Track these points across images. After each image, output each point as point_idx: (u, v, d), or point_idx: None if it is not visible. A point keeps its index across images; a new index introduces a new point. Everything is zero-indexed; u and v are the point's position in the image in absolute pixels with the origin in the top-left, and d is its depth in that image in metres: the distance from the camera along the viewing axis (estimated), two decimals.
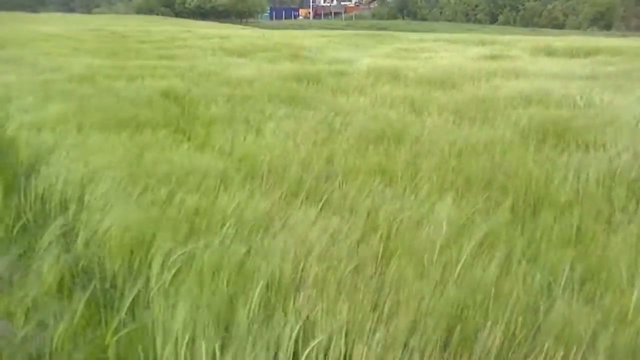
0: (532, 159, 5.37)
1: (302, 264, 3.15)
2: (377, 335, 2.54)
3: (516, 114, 7.51)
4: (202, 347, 2.51)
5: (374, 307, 2.74)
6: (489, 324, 2.61)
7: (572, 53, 18.85)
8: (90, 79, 10.89)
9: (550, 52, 19.57)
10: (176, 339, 2.55)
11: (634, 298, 2.78)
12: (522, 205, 4.41)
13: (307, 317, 2.69)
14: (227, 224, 3.61)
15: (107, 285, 3.37)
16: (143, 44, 22.61)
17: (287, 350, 2.57)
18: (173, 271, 3.09)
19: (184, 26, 47.67)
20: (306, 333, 2.63)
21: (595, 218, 4.06)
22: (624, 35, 38.68)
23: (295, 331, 2.60)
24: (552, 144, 6.14)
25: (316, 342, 2.57)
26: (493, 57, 17.03)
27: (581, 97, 8.91)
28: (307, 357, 2.54)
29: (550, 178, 4.79)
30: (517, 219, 4.05)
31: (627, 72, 12.77)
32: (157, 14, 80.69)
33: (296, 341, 2.60)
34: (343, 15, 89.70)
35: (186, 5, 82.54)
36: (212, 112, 7.70)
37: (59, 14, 77.20)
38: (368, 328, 2.60)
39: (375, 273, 3.10)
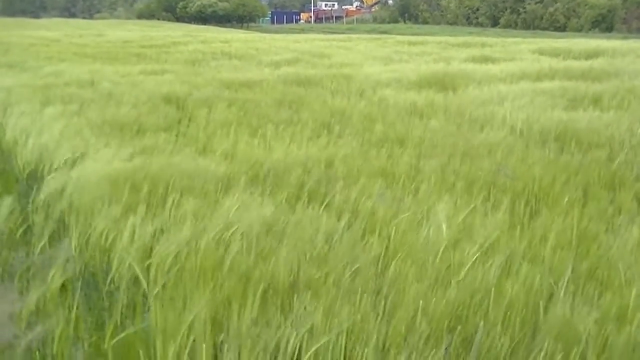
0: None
1: (303, 267, 3.15)
2: (376, 336, 2.54)
3: None
4: (202, 350, 2.51)
5: (374, 309, 2.74)
6: (489, 324, 2.62)
7: None
8: (91, 83, 10.90)
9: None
10: (177, 341, 2.54)
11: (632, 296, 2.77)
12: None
13: (307, 319, 2.69)
14: (232, 229, 3.61)
15: (108, 288, 3.37)
16: (144, 49, 22.62)
17: (286, 354, 2.57)
18: (172, 274, 3.10)
19: (185, 31, 47.72)
20: (306, 336, 2.63)
21: None
22: (625, 38, 38.66)
23: (294, 335, 2.60)
24: None
25: (316, 346, 2.56)
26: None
27: None
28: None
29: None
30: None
31: None
32: (158, 19, 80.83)
33: (296, 344, 2.60)
34: (344, 18, 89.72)
35: (187, 10, 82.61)
36: (214, 116, 7.71)
37: (60, 19, 77.37)
38: (368, 330, 2.60)
39: (375, 275, 3.09)
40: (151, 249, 3.42)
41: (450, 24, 74.09)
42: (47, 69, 13.67)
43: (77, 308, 3.08)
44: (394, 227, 3.67)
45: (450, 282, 3.00)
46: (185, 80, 11.59)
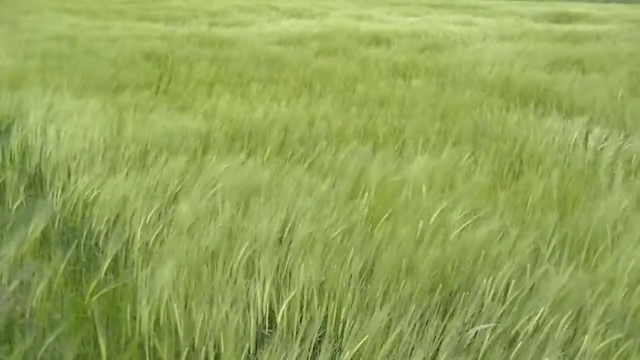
0: None
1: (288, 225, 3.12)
2: (357, 293, 2.53)
3: None
4: (176, 307, 2.47)
5: (358, 267, 2.71)
6: (475, 284, 2.60)
7: None
8: (70, 38, 10.69)
9: None
10: (156, 298, 2.50)
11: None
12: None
13: (287, 275, 2.69)
14: (215, 187, 3.56)
15: (89, 244, 3.33)
16: (125, 5, 22.27)
17: (262, 309, 2.57)
18: (155, 231, 3.06)
19: None
20: (282, 291, 2.62)
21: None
22: (606, 1, 38.55)
23: (271, 290, 2.60)
24: None
25: (290, 297, 2.55)
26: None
27: None
28: (282, 314, 2.53)
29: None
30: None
31: None
32: None
33: (273, 299, 2.60)
34: None
35: None
36: (194, 74, 7.61)
37: None
38: (347, 286, 2.58)
39: (360, 234, 3.06)
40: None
41: None
42: (25, 24, 13.43)
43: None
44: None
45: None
46: (166, 37, 11.42)
